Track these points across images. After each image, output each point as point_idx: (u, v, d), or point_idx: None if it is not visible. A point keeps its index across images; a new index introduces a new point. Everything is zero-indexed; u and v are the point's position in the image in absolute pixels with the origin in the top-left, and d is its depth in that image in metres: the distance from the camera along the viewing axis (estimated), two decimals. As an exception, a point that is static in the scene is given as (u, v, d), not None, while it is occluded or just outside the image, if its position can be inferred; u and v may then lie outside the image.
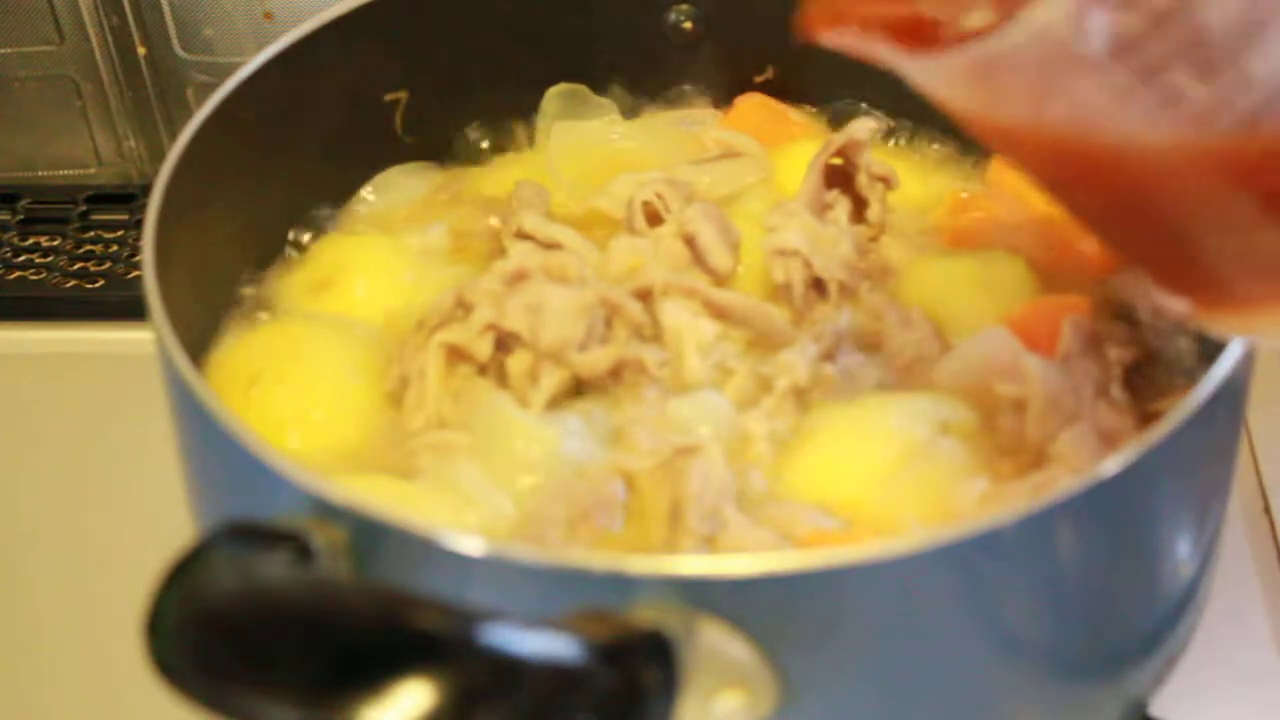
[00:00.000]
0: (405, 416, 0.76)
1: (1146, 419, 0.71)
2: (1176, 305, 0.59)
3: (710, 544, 0.67)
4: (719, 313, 0.78)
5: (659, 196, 0.84)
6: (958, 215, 0.88)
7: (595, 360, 0.74)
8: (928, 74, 0.55)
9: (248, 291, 0.86)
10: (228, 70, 0.82)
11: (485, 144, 0.96)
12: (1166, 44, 0.49)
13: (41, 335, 1.06)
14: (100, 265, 1.11)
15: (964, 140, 0.93)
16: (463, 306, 0.76)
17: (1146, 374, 0.75)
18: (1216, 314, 0.55)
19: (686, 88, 0.98)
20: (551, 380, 0.74)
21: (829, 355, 0.77)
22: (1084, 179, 0.55)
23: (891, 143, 0.95)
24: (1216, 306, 0.55)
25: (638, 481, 0.69)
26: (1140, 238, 0.56)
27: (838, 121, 0.95)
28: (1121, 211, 0.56)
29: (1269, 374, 0.91)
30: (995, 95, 0.53)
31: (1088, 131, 0.52)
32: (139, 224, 0.92)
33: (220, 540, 0.53)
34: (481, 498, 0.71)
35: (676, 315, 0.77)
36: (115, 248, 1.12)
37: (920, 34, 0.55)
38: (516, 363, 0.74)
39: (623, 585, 0.55)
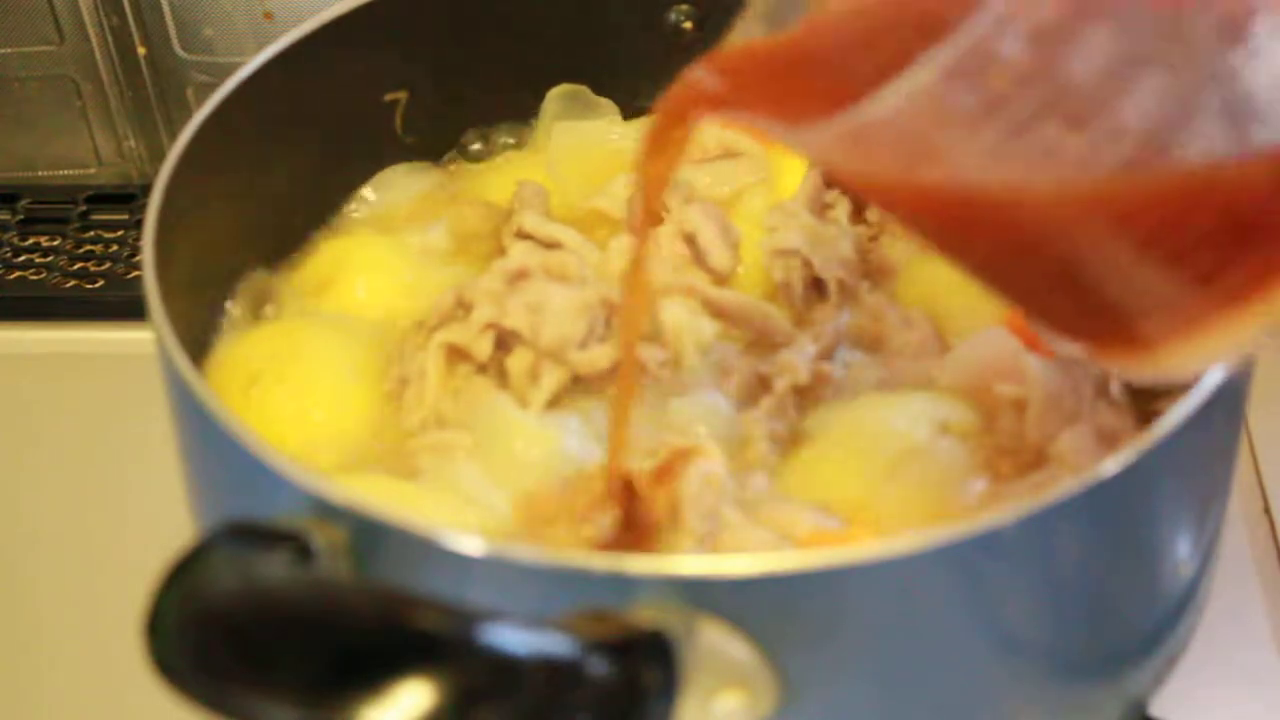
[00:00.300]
0: (405, 416, 0.76)
1: (1146, 419, 0.71)
2: (1075, 350, 0.61)
3: (710, 544, 0.67)
4: (718, 312, 0.78)
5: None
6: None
7: (595, 359, 0.74)
8: (805, 145, 0.57)
9: (248, 291, 0.86)
10: (228, 70, 0.82)
11: (485, 144, 0.96)
12: (1034, 99, 0.51)
13: (41, 335, 1.06)
14: (100, 265, 1.10)
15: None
16: (463, 306, 0.76)
17: (1147, 374, 0.75)
18: (1114, 355, 0.56)
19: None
20: (552, 379, 0.74)
21: (828, 355, 0.77)
22: (967, 234, 0.57)
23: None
24: (1113, 348, 0.56)
25: (637, 482, 0.69)
26: (1030, 287, 0.58)
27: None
28: (1009, 262, 0.57)
29: (1269, 374, 0.91)
30: (872, 160, 0.55)
31: (966, 189, 0.53)
32: (139, 224, 0.92)
33: (220, 540, 0.53)
34: (481, 498, 0.71)
35: (676, 314, 0.77)
36: (115, 248, 1.12)
37: (794, 107, 0.57)
38: (517, 362, 0.74)
39: (623, 585, 0.55)
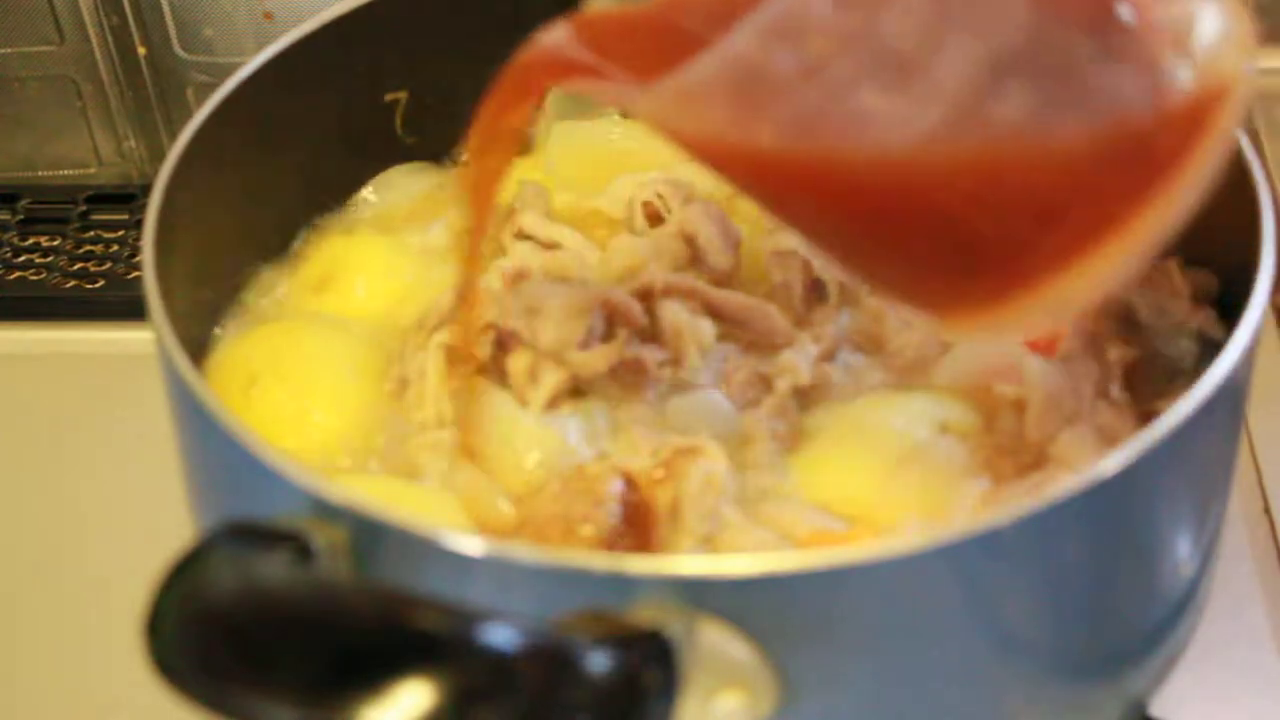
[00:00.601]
0: (405, 416, 0.76)
1: (1146, 419, 0.71)
2: (919, 318, 0.61)
3: (710, 544, 0.67)
4: (718, 312, 0.78)
5: (659, 196, 0.84)
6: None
7: (595, 359, 0.74)
8: (641, 107, 0.58)
9: (248, 291, 0.86)
10: (228, 70, 0.82)
11: (485, 144, 0.96)
12: (854, 62, 0.51)
13: (41, 335, 1.06)
14: (100, 265, 1.10)
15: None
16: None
17: (1146, 374, 0.75)
18: (955, 320, 0.57)
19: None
20: (551, 380, 0.74)
21: (829, 355, 0.77)
22: (794, 198, 0.57)
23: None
24: (953, 312, 0.56)
25: (638, 481, 0.69)
26: (862, 251, 0.58)
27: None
28: (837, 226, 0.57)
29: (1269, 374, 0.91)
30: (705, 123, 0.55)
31: (791, 152, 0.54)
32: (139, 224, 0.92)
33: (220, 540, 0.53)
34: (481, 498, 0.71)
35: (677, 315, 0.77)
36: (115, 248, 1.12)
37: (640, 72, 0.58)
38: (516, 362, 0.74)
39: (623, 585, 0.55)
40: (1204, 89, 0.51)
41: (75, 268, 1.10)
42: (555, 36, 0.61)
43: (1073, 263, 0.53)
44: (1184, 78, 0.51)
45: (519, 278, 0.76)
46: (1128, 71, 0.51)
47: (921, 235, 0.55)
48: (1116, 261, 0.53)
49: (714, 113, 0.54)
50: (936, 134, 0.51)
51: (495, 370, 0.75)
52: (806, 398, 0.75)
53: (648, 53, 0.59)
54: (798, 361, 0.75)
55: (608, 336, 0.75)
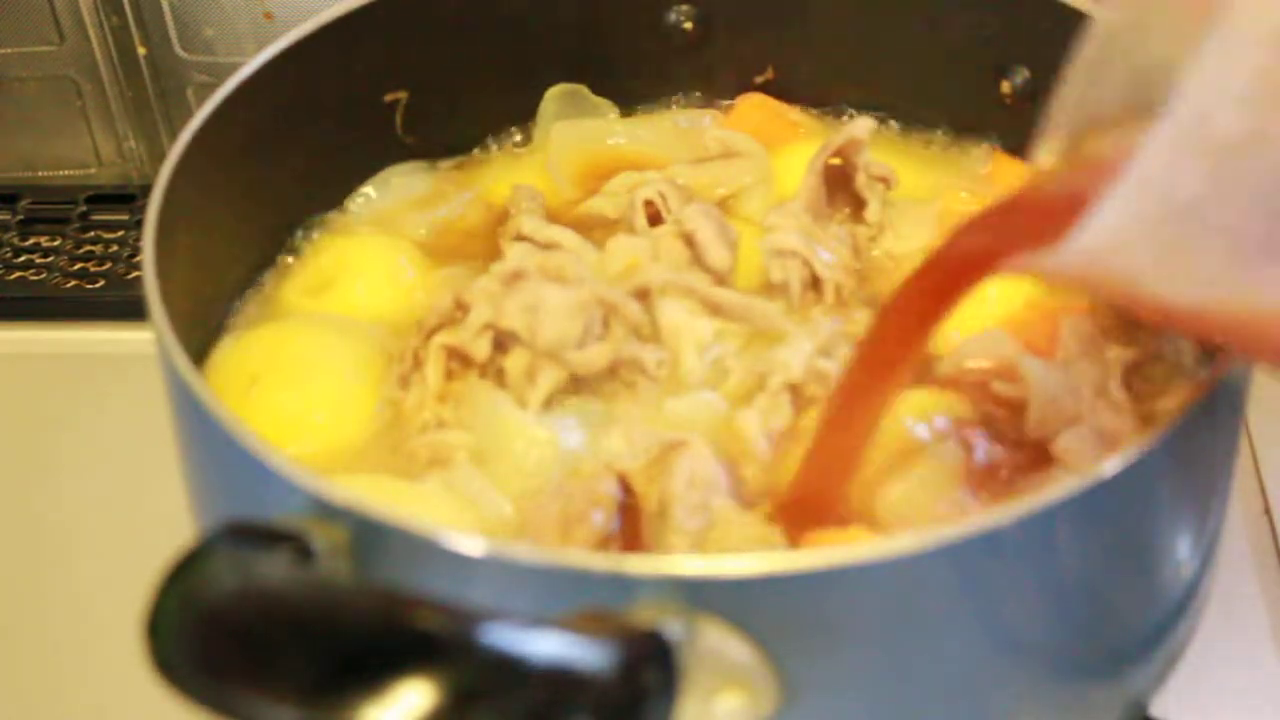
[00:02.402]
0: (405, 417, 0.76)
1: (1146, 419, 0.71)
2: None
3: (702, 539, 0.67)
4: (717, 310, 0.78)
5: (660, 196, 0.84)
6: (961, 208, 0.88)
7: (592, 358, 0.74)
8: (1060, 265, 0.54)
9: (248, 292, 0.86)
10: (228, 70, 0.82)
11: (485, 144, 0.96)
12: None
13: (41, 335, 1.06)
14: (100, 265, 1.10)
15: (963, 140, 0.93)
16: (461, 307, 0.76)
17: (1146, 374, 0.75)
18: None
19: (686, 88, 0.98)
20: (549, 379, 0.74)
21: (826, 353, 0.77)
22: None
23: (890, 142, 0.94)
24: None
25: (633, 480, 0.69)
26: None
27: (838, 121, 0.95)
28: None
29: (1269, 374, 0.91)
30: (1124, 276, 0.53)
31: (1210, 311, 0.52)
32: (139, 224, 0.92)
33: (220, 540, 0.53)
34: (481, 498, 0.71)
35: (674, 314, 0.77)
36: (115, 248, 1.12)
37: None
38: (514, 362, 0.74)
39: (623, 585, 0.55)
40: None
41: (75, 268, 1.10)
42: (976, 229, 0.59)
43: None
44: None
45: (516, 279, 0.76)
46: None
47: None
48: None
49: (1134, 262, 0.51)
50: None
51: (493, 370, 0.75)
52: (803, 396, 0.75)
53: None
54: (791, 359, 0.75)
55: (605, 336, 0.76)
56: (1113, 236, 0.50)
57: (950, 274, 0.61)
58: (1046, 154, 0.58)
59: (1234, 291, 0.51)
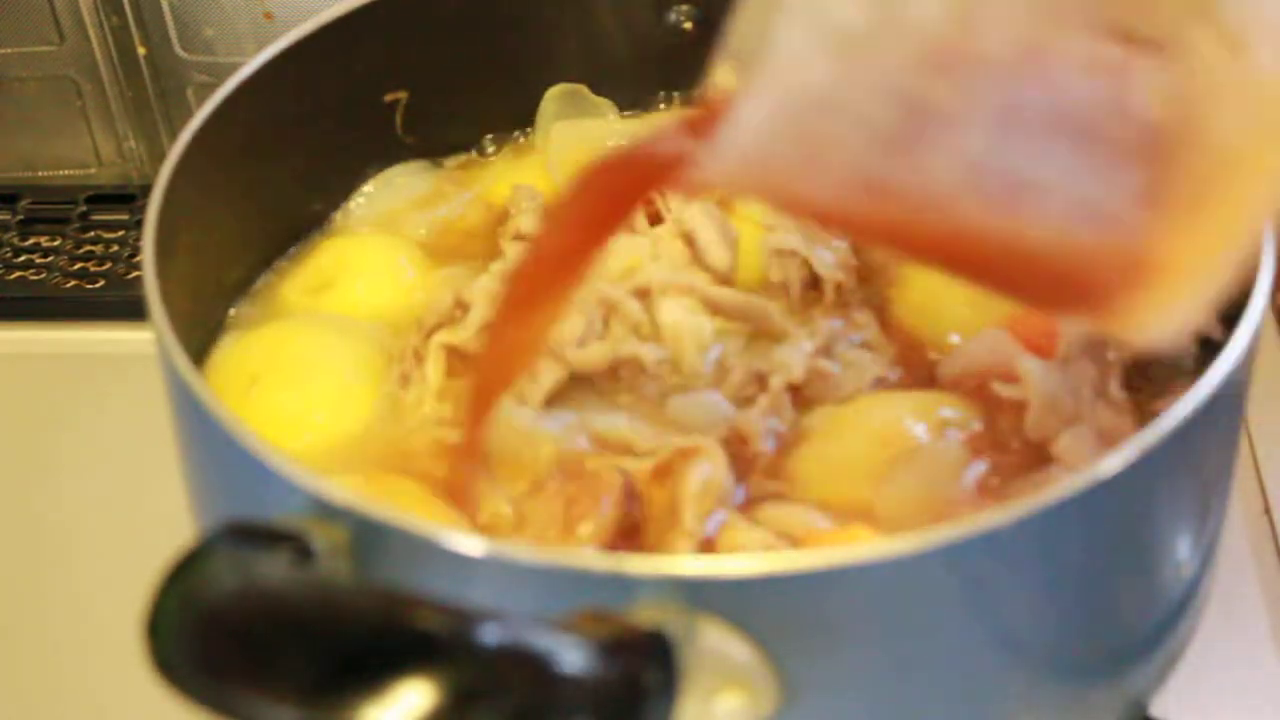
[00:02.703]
0: (405, 416, 0.76)
1: (1146, 419, 0.71)
2: (1075, 325, 0.60)
3: (709, 544, 0.67)
4: (718, 310, 0.78)
5: (660, 195, 0.84)
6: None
7: (592, 357, 0.74)
8: (711, 172, 0.55)
9: (248, 291, 0.86)
10: (228, 70, 0.82)
11: (484, 144, 0.96)
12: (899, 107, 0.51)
13: (41, 335, 1.06)
14: (100, 265, 1.10)
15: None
16: (460, 306, 0.76)
17: (1146, 374, 0.75)
18: (1107, 319, 0.57)
19: (686, 88, 0.98)
20: (549, 378, 0.74)
21: (826, 352, 0.77)
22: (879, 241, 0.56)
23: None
24: (1102, 312, 0.56)
25: (637, 480, 0.69)
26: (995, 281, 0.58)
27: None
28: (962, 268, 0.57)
29: (1269, 374, 0.91)
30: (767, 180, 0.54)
31: (854, 212, 0.53)
32: (139, 224, 0.92)
33: (220, 540, 0.53)
34: (481, 497, 0.71)
35: (674, 313, 0.77)
36: (115, 248, 1.12)
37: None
38: (516, 362, 0.75)
39: (623, 585, 0.55)
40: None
41: (75, 268, 1.10)
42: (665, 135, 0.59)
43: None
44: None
45: (516, 277, 0.76)
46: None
47: (1004, 279, 0.55)
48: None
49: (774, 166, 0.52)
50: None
51: (494, 370, 0.75)
52: (804, 396, 0.75)
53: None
54: (792, 359, 0.75)
55: (606, 335, 0.76)
56: (754, 132, 0.51)
57: (623, 185, 0.61)
58: (721, 75, 0.59)
59: (875, 184, 0.52)
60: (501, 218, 0.88)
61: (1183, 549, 0.67)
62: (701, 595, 0.54)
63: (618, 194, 0.61)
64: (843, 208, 0.53)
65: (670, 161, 0.57)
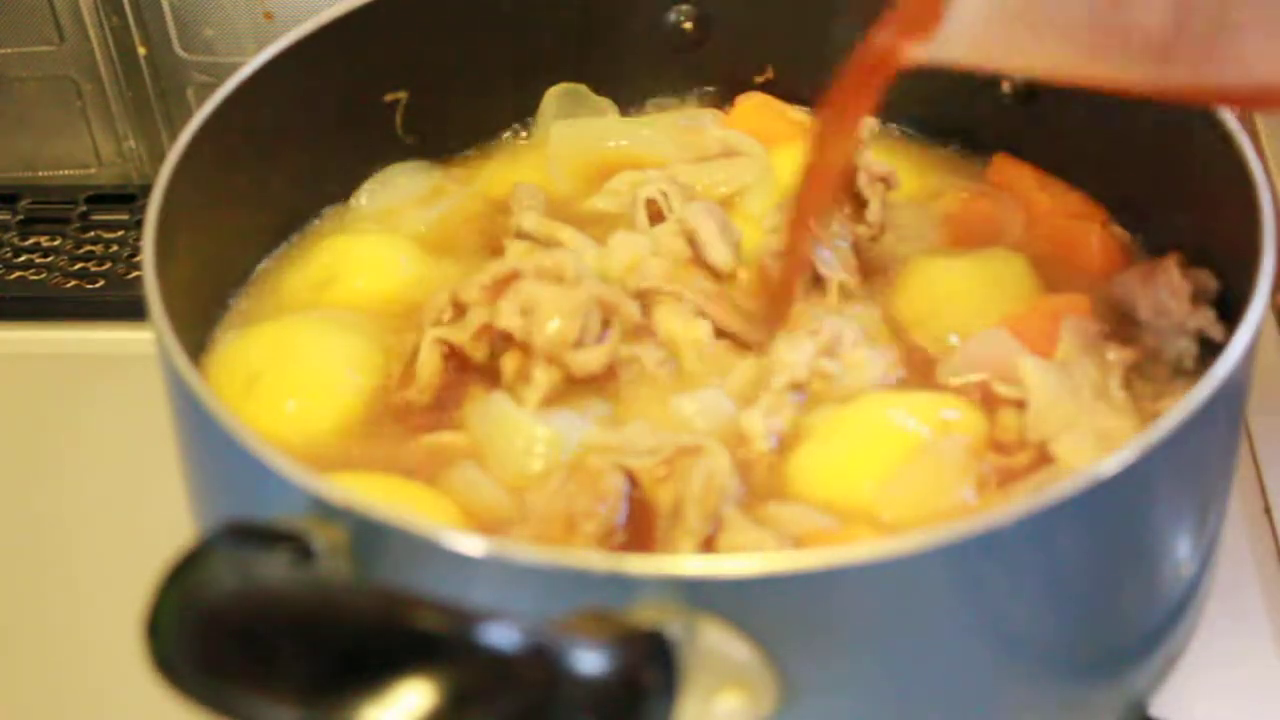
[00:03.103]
0: (405, 415, 0.76)
1: (1146, 419, 0.71)
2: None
3: (710, 544, 0.67)
4: (718, 310, 0.78)
5: (662, 194, 0.84)
6: (962, 208, 0.88)
7: (591, 359, 0.74)
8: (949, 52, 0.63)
9: (248, 290, 0.86)
10: (228, 70, 0.82)
11: (485, 143, 0.96)
12: None
13: (41, 335, 1.06)
14: (100, 265, 1.10)
15: (964, 141, 0.93)
16: (458, 306, 0.76)
17: (1146, 374, 0.75)
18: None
19: (686, 88, 0.98)
20: (545, 379, 0.74)
21: (828, 352, 0.77)
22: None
23: (891, 142, 0.94)
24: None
25: (639, 479, 0.69)
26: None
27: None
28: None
29: (1269, 374, 0.91)
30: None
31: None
32: (139, 224, 0.92)
33: (220, 540, 0.53)
34: (481, 497, 0.71)
35: (674, 314, 0.78)
36: (115, 248, 1.12)
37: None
38: (510, 362, 0.75)
39: (623, 585, 0.55)
40: None
41: (75, 268, 1.10)
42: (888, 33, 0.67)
43: None
44: None
45: (513, 279, 0.76)
46: None
47: None
48: None
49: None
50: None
51: (492, 369, 0.75)
52: (805, 394, 0.75)
53: None
54: (794, 359, 0.75)
55: (604, 336, 0.75)
56: (979, 7, 0.56)
57: (867, 70, 0.69)
58: None
59: (1098, 35, 0.58)
60: (501, 216, 0.88)
61: (1183, 549, 0.67)
62: (701, 595, 0.54)
63: (861, 83, 0.70)
64: (1074, 64, 0.59)
65: (897, 49, 0.65)
